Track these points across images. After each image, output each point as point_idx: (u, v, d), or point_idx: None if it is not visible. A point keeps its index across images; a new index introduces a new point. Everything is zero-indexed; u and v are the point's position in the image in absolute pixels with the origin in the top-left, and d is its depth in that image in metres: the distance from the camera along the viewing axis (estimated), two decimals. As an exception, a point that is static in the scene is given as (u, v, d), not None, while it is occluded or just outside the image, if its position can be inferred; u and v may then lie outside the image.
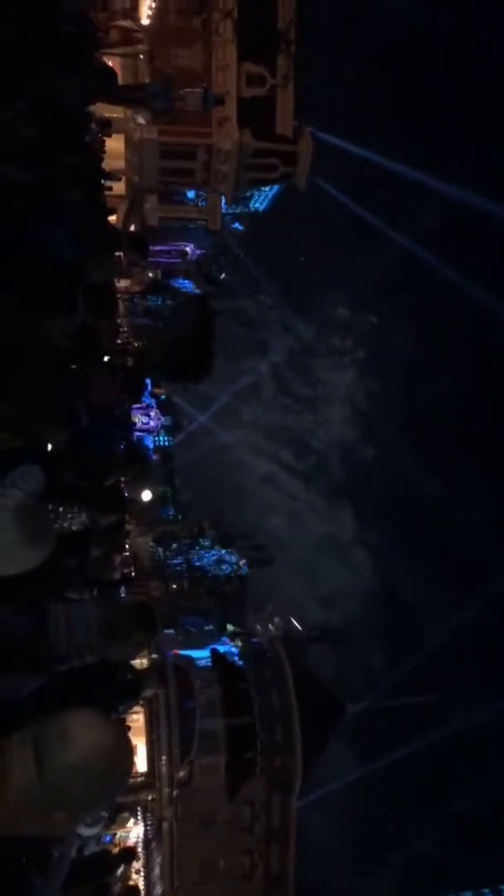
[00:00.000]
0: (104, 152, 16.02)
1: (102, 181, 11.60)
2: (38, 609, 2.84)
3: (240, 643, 34.67)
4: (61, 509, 5.17)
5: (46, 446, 5.33)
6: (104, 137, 17.29)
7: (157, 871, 30.53)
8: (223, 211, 33.04)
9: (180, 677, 30.97)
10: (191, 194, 32.05)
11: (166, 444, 41.05)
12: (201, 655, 33.22)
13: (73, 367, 5.85)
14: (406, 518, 64.60)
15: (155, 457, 33.71)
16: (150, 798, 29.92)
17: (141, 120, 27.84)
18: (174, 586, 38.36)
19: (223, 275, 39.22)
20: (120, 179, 23.27)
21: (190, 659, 32.62)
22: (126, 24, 20.58)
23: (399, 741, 50.60)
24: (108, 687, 6.05)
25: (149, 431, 34.03)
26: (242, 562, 41.13)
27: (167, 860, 30.68)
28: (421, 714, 40.97)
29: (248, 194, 33.34)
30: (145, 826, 30.03)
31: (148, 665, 26.32)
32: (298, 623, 38.94)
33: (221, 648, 33.93)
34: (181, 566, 39.57)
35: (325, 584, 64.66)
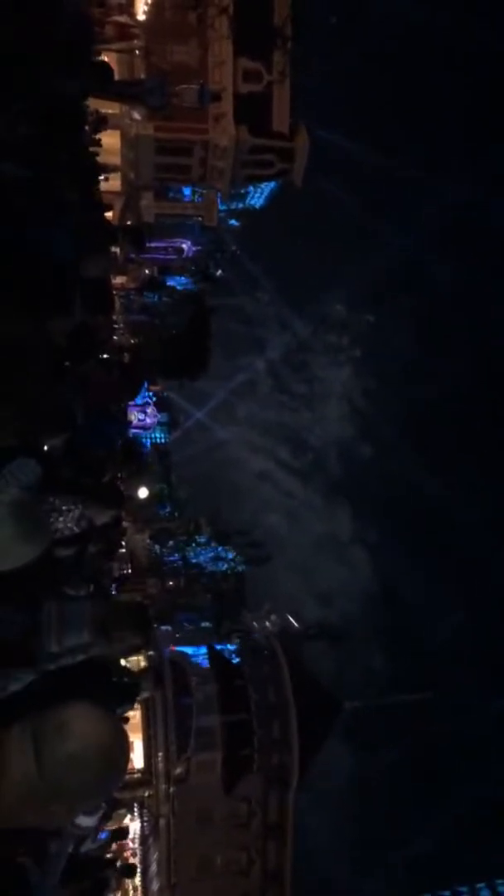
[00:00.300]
0: (100, 147, 15.97)
1: (98, 177, 11.57)
2: (32, 606, 2.82)
3: (237, 640, 34.72)
4: (57, 502, 5.15)
5: (43, 446, 5.32)
6: (99, 135, 17.23)
7: (154, 867, 30.59)
8: (220, 207, 33.00)
9: (177, 674, 31.00)
10: (187, 191, 31.99)
11: (163, 441, 41.03)
12: (198, 652, 33.26)
13: (71, 365, 5.85)
14: (404, 516, 64.73)
15: (148, 449, 33.68)
16: (146, 795, 29.97)
17: (137, 116, 27.76)
18: (171, 583, 38.38)
19: (219, 271, 39.17)
20: (108, 180, 23.11)
21: (186, 655, 32.66)
22: (122, 19, 20.49)
23: (396, 738, 50.77)
24: (105, 690, 6.04)
25: (145, 428, 34.02)
26: (239, 559, 41.17)
27: (164, 857, 30.73)
28: (417, 711, 41.10)
29: (244, 191, 33.28)
30: (142, 823, 30.07)
31: (145, 665, 26.35)
32: (295, 620, 39.01)
33: (218, 647, 33.98)
34: (178, 563, 39.58)
35: (322, 582, 64.78)
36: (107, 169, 20.27)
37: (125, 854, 26.25)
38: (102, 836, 10.11)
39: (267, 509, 64.36)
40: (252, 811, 32.23)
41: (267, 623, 36.78)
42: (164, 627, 33.00)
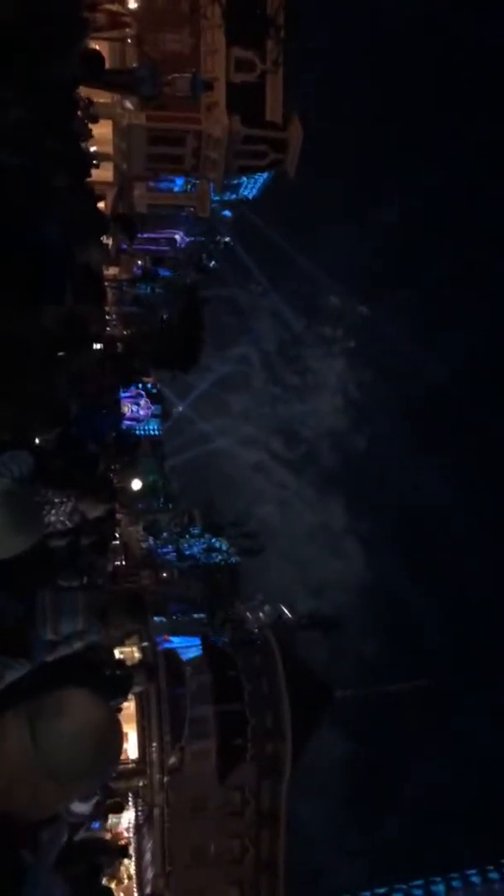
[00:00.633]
0: (91, 136, 15.84)
1: (90, 165, 11.49)
2: (26, 596, 2.85)
3: (230, 631, 34.85)
4: (50, 494, 5.16)
5: (35, 439, 5.32)
6: (90, 123, 17.09)
7: (148, 856, 30.78)
8: (212, 198, 32.83)
9: (170, 664, 31.11)
10: (180, 181, 31.81)
11: (156, 432, 40.97)
12: (191, 643, 33.37)
13: (64, 356, 5.83)
14: (397, 506, 64.95)
15: (141, 440, 33.60)
16: (140, 784, 30.12)
17: (129, 105, 27.54)
18: (164, 575, 38.42)
19: (212, 263, 39.02)
20: (98, 166, 22.88)
21: (179, 646, 32.77)
22: (113, 7, 20.27)
23: (390, 727, 51.13)
24: (99, 682, 6.08)
25: (138, 420, 33.98)
26: (233, 550, 41.25)
27: (158, 846, 30.93)
28: (412, 700, 41.36)
29: (237, 181, 33.12)
30: (136, 812, 30.23)
31: (140, 658, 26.41)
32: (288, 611, 39.16)
33: (211, 637, 34.11)
34: (171, 555, 39.63)
35: (315, 573, 65.02)
36: (98, 156, 20.11)
37: (120, 842, 26.38)
38: (96, 825, 10.18)
39: (260, 500, 64.49)
40: (245, 800, 32.46)
41: (260, 613, 36.92)
42: (157, 618, 33.08)
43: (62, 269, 5.25)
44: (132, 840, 29.33)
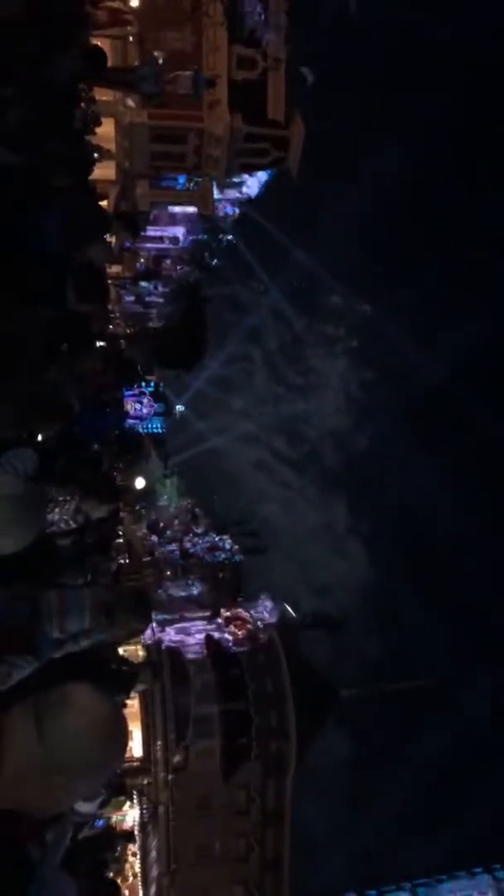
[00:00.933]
0: (96, 129, 15.80)
1: (92, 162, 11.47)
2: (31, 594, 2.85)
3: (234, 629, 34.87)
4: (53, 492, 5.16)
5: (38, 437, 5.32)
6: (93, 124, 17.09)
7: (153, 854, 30.85)
8: (215, 196, 32.81)
9: (175, 663, 31.15)
10: (182, 179, 31.80)
11: (159, 431, 40.99)
12: (195, 641, 33.41)
13: (67, 355, 5.83)
14: (399, 505, 64.90)
15: (144, 439, 33.59)
16: (145, 782, 30.18)
17: (131, 103, 27.54)
18: (167, 573, 38.46)
19: (215, 261, 39.03)
20: (101, 160, 22.86)
21: (183, 645, 32.83)
22: (115, 4, 20.26)
23: (395, 726, 51.14)
24: (103, 678, 6.08)
25: (141, 419, 34.00)
26: (236, 548, 41.26)
27: (163, 844, 31.00)
28: (418, 699, 41.38)
29: (239, 179, 33.11)
30: (141, 810, 30.30)
31: (144, 657, 26.45)
32: (292, 609, 39.18)
33: (215, 636, 34.13)
34: (174, 553, 39.66)
35: (319, 572, 64.99)
36: (100, 150, 20.04)
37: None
38: (99, 823, 10.21)
39: (263, 499, 64.50)
40: (250, 798, 32.50)
41: (264, 612, 36.92)
42: (161, 617, 33.13)
43: (62, 268, 5.24)
44: (137, 838, 29.40)
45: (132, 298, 33.21)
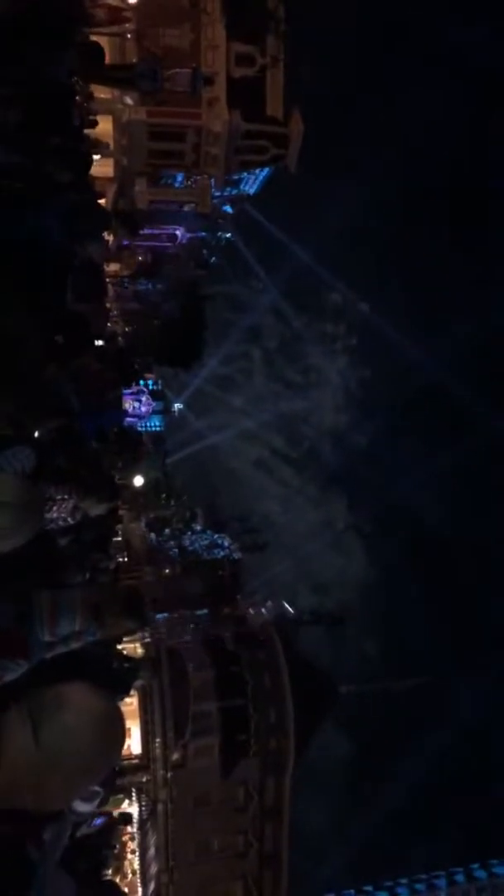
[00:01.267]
0: (95, 124, 15.75)
1: (91, 160, 11.41)
2: (23, 594, 2.84)
3: (233, 626, 34.87)
4: (52, 490, 5.15)
5: (35, 434, 5.31)
6: (92, 116, 17.03)
7: (152, 851, 30.88)
8: (213, 194, 32.73)
9: (173, 660, 31.16)
10: (180, 177, 31.72)
11: (158, 429, 40.97)
12: (194, 639, 33.39)
13: (66, 353, 5.82)
14: (398, 504, 64.91)
15: (143, 437, 33.57)
16: (144, 779, 30.20)
17: (129, 101, 27.47)
18: (167, 571, 38.44)
19: (213, 259, 38.94)
20: (100, 156, 22.74)
21: (182, 642, 32.84)
22: (113, 2, 20.20)
23: (392, 723, 51.20)
24: (101, 676, 6.06)
25: (140, 417, 33.96)
26: (235, 546, 41.26)
27: (162, 840, 31.03)
28: (415, 696, 41.42)
29: (238, 177, 33.03)
30: (140, 807, 30.32)
31: (143, 654, 26.44)
32: (291, 606, 39.19)
33: (214, 633, 34.14)
34: (174, 551, 39.64)
35: (318, 569, 65.04)
36: (99, 146, 20.00)
37: (123, 838, 26.48)
38: (97, 822, 10.20)
39: (262, 496, 64.51)
40: (249, 795, 32.53)
41: (263, 609, 36.93)
42: (160, 615, 33.11)
43: (62, 265, 5.23)
44: (136, 835, 29.43)
45: (130, 296, 33.14)
